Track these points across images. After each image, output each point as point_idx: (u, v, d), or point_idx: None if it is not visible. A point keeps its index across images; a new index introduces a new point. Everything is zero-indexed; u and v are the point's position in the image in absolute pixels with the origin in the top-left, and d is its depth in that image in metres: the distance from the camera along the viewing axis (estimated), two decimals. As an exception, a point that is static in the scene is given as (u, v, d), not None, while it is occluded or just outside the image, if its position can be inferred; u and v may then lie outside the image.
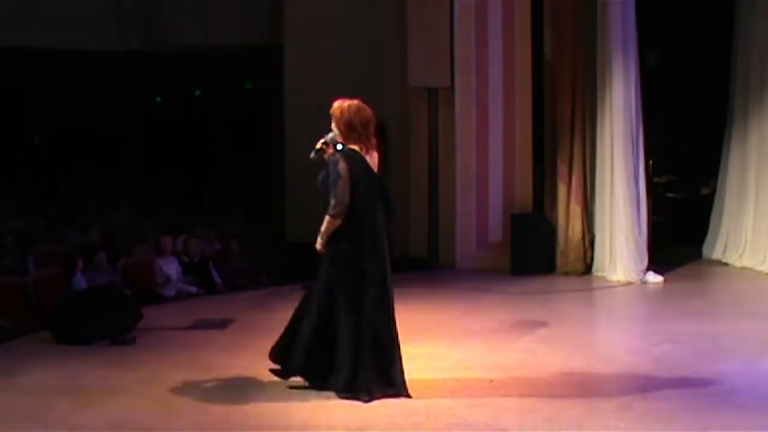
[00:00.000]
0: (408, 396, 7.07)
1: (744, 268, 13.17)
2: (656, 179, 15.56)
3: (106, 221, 15.20)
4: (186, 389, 7.39)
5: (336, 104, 7.22)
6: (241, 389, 7.33)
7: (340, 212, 7.02)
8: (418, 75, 13.86)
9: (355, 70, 15.34)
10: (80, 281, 10.66)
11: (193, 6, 17.73)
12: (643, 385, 7.40)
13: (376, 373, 7.07)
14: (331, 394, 7.17)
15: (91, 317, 9.19)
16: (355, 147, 7.14)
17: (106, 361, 8.45)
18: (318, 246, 7.17)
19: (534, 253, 13.00)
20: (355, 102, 7.20)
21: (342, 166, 7.02)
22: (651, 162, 13.56)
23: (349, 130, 7.12)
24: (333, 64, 15.62)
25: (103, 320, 9.23)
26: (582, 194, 12.93)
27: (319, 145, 7.30)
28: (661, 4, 13.56)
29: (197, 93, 20.83)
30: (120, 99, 19.83)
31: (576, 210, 12.89)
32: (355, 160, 7.09)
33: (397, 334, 7.24)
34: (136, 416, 6.81)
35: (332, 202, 7.03)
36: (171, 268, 11.75)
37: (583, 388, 7.40)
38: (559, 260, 12.99)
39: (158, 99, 21.17)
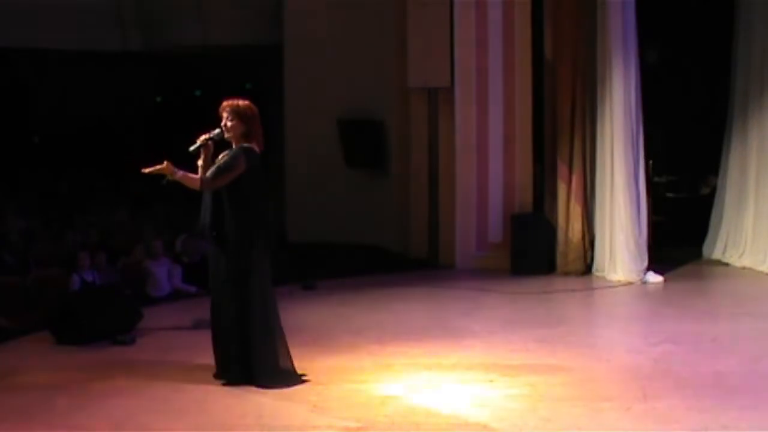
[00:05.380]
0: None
1: (744, 268, 13.15)
2: (656, 179, 15.52)
3: (106, 221, 15.16)
4: (186, 389, 7.41)
5: (231, 102, 7.56)
6: (240, 389, 7.33)
7: (207, 188, 7.33)
8: (418, 75, 13.84)
9: (355, 70, 15.34)
10: (76, 281, 10.64)
11: (193, 6, 17.72)
12: (643, 385, 7.40)
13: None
14: (331, 394, 7.20)
15: (91, 317, 9.20)
16: (254, 146, 7.46)
17: (106, 361, 8.47)
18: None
19: (534, 253, 12.98)
20: (246, 100, 7.60)
21: (240, 162, 7.32)
22: (651, 162, 13.54)
23: (247, 124, 7.47)
24: (333, 64, 15.62)
25: (103, 320, 9.25)
26: (582, 194, 12.92)
27: (202, 140, 7.48)
28: (661, 3, 13.56)
29: (197, 93, 20.80)
30: (120, 99, 19.82)
31: (576, 210, 12.88)
32: (251, 158, 7.38)
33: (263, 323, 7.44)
34: (136, 416, 6.83)
35: (210, 176, 7.29)
36: (161, 270, 11.72)
37: (583, 388, 7.40)
38: (559, 260, 12.98)
39: (158, 99, 21.16)
